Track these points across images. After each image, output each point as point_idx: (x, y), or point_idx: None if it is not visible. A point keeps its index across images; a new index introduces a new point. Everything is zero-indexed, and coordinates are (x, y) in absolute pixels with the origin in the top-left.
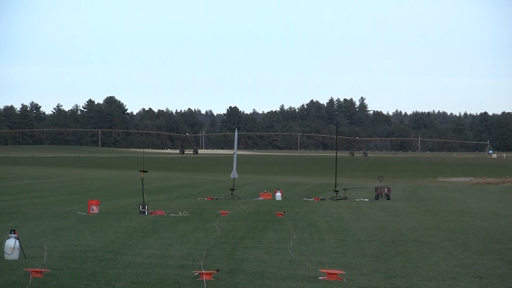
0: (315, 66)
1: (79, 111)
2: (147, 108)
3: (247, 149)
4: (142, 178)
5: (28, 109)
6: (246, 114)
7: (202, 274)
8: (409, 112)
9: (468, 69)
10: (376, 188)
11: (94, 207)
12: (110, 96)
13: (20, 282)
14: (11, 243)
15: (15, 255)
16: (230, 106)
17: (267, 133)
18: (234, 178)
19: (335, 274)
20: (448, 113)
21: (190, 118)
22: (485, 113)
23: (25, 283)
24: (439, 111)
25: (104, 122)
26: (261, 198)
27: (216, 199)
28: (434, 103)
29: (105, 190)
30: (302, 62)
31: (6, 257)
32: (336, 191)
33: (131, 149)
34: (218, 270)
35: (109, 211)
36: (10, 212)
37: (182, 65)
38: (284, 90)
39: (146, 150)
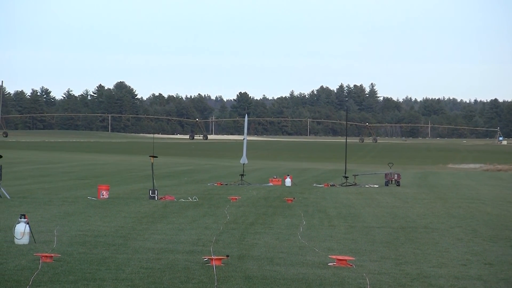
0: (325, 52)
1: (89, 96)
2: (157, 94)
3: (257, 135)
4: (152, 163)
5: (38, 94)
6: (256, 99)
7: (211, 259)
8: (419, 99)
9: (479, 55)
10: (386, 174)
11: (104, 192)
12: (120, 81)
13: (30, 266)
14: (21, 228)
15: (25, 240)
16: (240, 92)
17: (277, 119)
18: (244, 164)
19: (345, 260)
20: (458, 100)
21: (200, 104)
22: (496, 99)
23: (35, 268)
24: (449, 98)
25: (114, 107)
26: (271, 184)
27: (226, 184)
28: (444, 89)
29: (115, 175)
30: (312, 48)
31: (16, 241)
32: (346, 177)
33: (141, 134)
34: (227, 256)
35: (119, 196)
36: (20, 197)
37: (193, 50)
38: (294, 76)
39: (156, 135)
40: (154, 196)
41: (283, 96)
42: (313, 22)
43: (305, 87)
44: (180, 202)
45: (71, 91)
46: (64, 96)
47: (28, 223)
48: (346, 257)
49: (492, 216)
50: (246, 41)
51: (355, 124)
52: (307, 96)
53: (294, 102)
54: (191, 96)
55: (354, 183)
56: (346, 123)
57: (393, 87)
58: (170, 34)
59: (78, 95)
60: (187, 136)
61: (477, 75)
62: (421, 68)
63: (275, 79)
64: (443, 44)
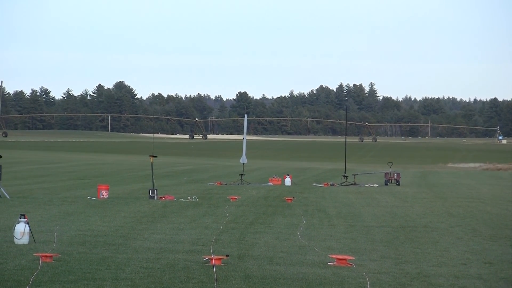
0: (324, 52)
1: (88, 96)
2: (156, 93)
3: (257, 134)
4: (152, 163)
5: (37, 94)
6: (256, 99)
7: (211, 259)
8: (418, 98)
9: (478, 55)
10: (385, 174)
11: (104, 192)
12: (120, 81)
13: (30, 266)
14: (21, 227)
15: (25, 240)
16: (240, 91)
17: (276, 118)
18: (243, 163)
19: (345, 259)
20: (458, 99)
21: (200, 103)
22: (495, 99)
23: (35, 268)
24: (448, 97)
25: (113, 107)
26: (271, 183)
27: (226, 184)
28: (443, 88)
29: (115, 175)
30: (311, 47)
31: (16, 241)
32: (346, 177)
33: (141, 134)
34: (227, 255)
35: (118, 196)
36: (20, 197)
37: (192, 50)
38: (294, 75)
39: (156, 135)
40: (154, 196)
41: (283, 96)
42: (313, 22)
43: (305, 87)
44: (180, 201)
45: (70, 91)
46: (64, 96)
47: (27, 223)
48: (346, 257)
49: (492, 215)
50: (245, 41)
51: (355, 124)
52: (306, 96)
53: (293, 102)
54: (190, 96)
55: (353, 183)
56: (346, 123)
57: (393, 86)
58: (170, 34)
59: (78, 95)
60: (187, 136)
61: (477, 74)
62: (420, 68)
63: (274, 79)
64: (443, 43)
